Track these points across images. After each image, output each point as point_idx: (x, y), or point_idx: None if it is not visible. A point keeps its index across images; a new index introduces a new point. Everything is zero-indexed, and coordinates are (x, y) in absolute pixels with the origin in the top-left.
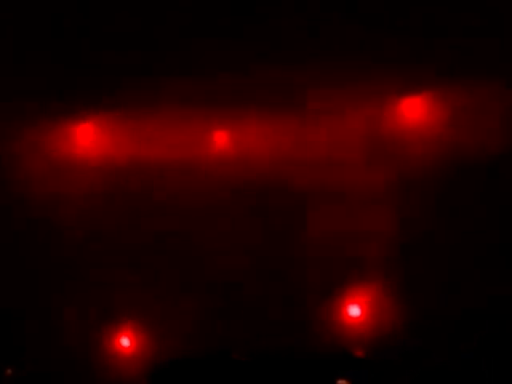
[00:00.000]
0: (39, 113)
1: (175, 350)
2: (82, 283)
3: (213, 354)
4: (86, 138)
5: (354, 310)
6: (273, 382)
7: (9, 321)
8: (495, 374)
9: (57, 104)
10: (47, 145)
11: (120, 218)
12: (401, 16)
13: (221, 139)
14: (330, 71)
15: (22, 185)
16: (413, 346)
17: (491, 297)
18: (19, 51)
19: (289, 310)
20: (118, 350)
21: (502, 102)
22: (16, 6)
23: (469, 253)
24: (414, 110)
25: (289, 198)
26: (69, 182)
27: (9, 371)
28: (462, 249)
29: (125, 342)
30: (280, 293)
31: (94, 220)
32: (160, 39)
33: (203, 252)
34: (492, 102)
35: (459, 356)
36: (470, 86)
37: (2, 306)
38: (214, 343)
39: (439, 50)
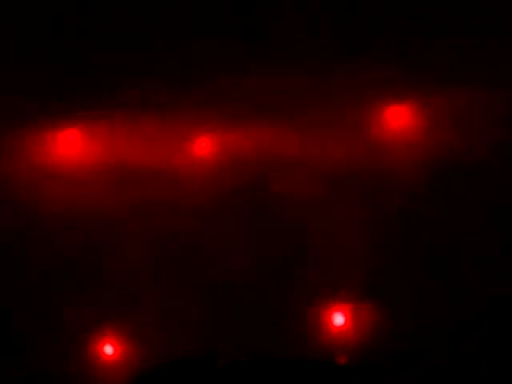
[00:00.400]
0: (37, 113)
1: (165, 355)
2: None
3: (199, 359)
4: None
5: (339, 319)
6: None
7: (9, 321)
8: (495, 373)
9: (57, 104)
10: (39, 147)
11: (118, 218)
12: (401, 16)
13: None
14: (329, 72)
15: (20, 185)
16: (412, 348)
17: (491, 297)
18: (19, 51)
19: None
20: (100, 358)
21: (503, 103)
22: (16, 5)
23: (469, 253)
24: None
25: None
26: (63, 183)
27: None
28: (462, 249)
29: (108, 349)
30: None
31: (92, 221)
32: (160, 39)
33: (203, 252)
34: (493, 103)
35: (459, 356)
36: (470, 88)
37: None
38: (211, 345)
39: (439, 51)
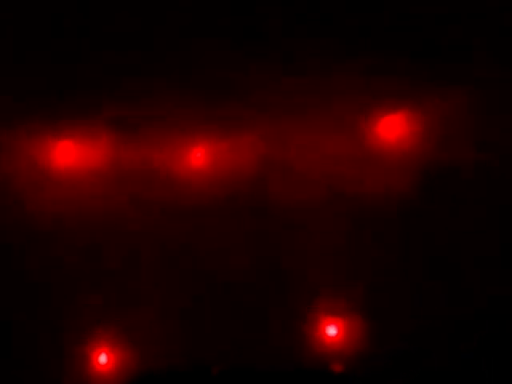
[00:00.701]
0: (37, 113)
1: (165, 355)
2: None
3: (193, 368)
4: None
5: (331, 330)
6: None
7: (9, 321)
8: (495, 373)
9: (57, 104)
10: (39, 147)
11: (118, 219)
12: (402, 16)
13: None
14: (329, 72)
15: (20, 185)
16: (412, 348)
17: (491, 297)
18: (19, 51)
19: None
20: (94, 368)
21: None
22: (16, 5)
23: (469, 253)
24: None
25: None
26: (63, 184)
27: None
28: (462, 249)
29: (102, 358)
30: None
31: (92, 221)
32: (160, 39)
33: (203, 252)
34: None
35: (459, 356)
36: (470, 88)
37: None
38: (210, 345)
39: (439, 51)
